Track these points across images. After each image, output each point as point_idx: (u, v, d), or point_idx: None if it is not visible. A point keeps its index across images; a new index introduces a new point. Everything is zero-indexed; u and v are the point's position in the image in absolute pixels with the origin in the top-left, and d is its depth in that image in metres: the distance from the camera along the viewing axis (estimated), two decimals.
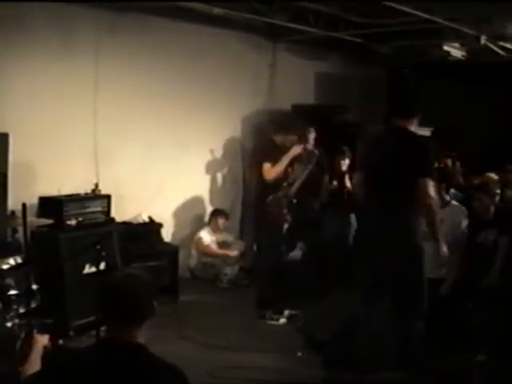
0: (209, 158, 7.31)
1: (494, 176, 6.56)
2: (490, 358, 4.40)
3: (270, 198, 5.71)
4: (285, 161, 5.74)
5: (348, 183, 6.58)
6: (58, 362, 2.25)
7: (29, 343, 2.64)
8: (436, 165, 5.00)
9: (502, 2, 5.81)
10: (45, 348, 2.60)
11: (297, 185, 5.88)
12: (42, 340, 2.64)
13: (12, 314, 3.98)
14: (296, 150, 5.80)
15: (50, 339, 2.69)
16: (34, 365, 2.47)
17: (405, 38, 7.44)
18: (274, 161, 5.74)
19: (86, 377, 2.10)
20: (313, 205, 6.63)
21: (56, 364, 2.26)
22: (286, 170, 5.84)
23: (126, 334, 2.16)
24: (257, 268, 6.41)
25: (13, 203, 4.82)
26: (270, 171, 5.70)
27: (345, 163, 6.66)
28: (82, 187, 5.57)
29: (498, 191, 5.46)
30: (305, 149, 5.90)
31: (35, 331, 2.82)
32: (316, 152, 6.11)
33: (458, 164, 7.92)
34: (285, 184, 5.82)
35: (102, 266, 4.57)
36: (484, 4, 5.84)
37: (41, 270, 4.46)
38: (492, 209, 5.17)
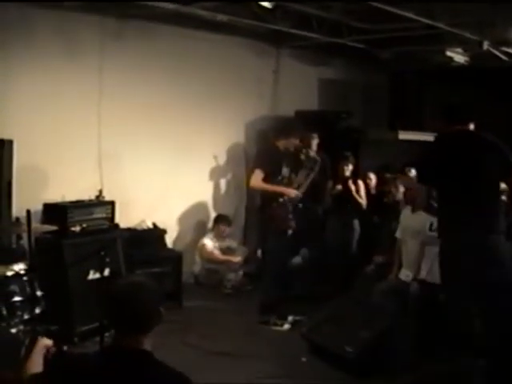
0: (212, 164, 7.33)
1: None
2: (490, 361, 4.37)
3: (276, 203, 5.71)
4: (275, 189, 5.68)
5: (352, 188, 6.59)
6: (63, 367, 2.24)
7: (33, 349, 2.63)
8: None
9: (504, 7, 5.81)
10: (48, 349, 2.59)
11: (301, 190, 5.89)
12: (46, 341, 2.63)
13: (16, 320, 3.99)
14: (291, 193, 5.72)
15: (55, 345, 2.68)
16: (36, 364, 2.46)
17: (407, 43, 7.44)
18: (276, 167, 5.74)
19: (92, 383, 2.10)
20: (317, 210, 6.65)
21: (61, 369, 2.25)
22: (290, 176, 5.85)
23: (132, 341, 2.16)
24: (262, 273, 6.41)
25: (17, 210, 4.85)
26: (260, 184, 5.69)
27: (348, 168, 6.69)
28: (87, 193, 5.59)
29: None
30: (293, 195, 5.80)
31: (40, 337, 2.81)
32: (318, 158, 6.12)
33: None
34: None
35: (107, 272, 4.58)
36: (486, 9, 5.85)
37: (45, 276, 4.46)
38: None
